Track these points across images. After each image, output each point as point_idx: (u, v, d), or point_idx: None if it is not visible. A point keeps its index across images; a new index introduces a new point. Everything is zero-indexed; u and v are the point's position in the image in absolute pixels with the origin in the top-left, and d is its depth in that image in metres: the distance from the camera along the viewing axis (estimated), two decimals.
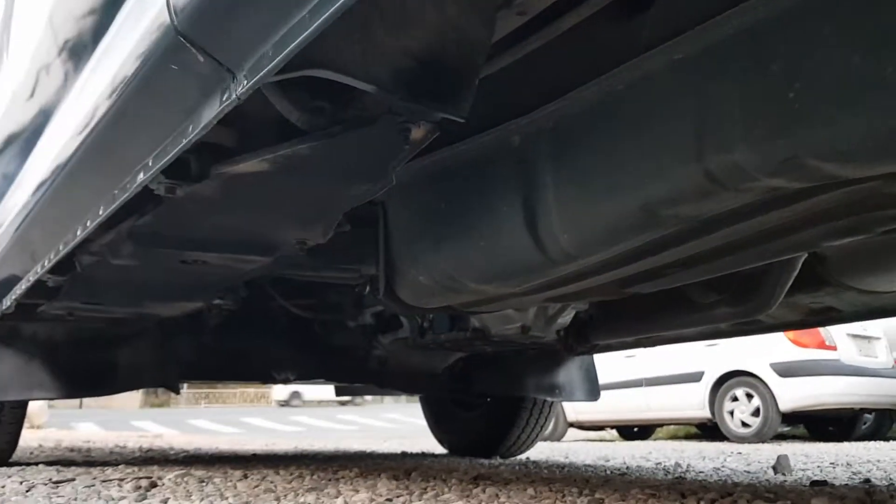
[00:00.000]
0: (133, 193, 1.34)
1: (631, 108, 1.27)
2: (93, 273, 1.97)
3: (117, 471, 2.78)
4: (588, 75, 1.34)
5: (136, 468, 2.92)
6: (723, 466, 3.62)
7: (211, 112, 1.04)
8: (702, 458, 4.47)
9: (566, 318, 2.49)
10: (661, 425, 9.83)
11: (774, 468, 3.22)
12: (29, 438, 5.47)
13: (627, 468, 3.35)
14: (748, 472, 3.23)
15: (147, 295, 2.29)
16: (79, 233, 1.60)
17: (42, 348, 2.77)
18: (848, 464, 3.81)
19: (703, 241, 1.42)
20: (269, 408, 28.39)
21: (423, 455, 4.22)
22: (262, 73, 0.93)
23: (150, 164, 1.24)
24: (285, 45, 0.88)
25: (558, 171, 1.42)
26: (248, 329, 3.10)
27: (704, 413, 8.13)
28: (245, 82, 0.96)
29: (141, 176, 1.28)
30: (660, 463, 3.88)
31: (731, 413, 7.80)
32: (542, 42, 1.41)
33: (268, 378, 3.34)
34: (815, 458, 4.36)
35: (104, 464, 3.22)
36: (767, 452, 5.14)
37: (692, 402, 8.19)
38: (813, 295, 2.09)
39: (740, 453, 4.99)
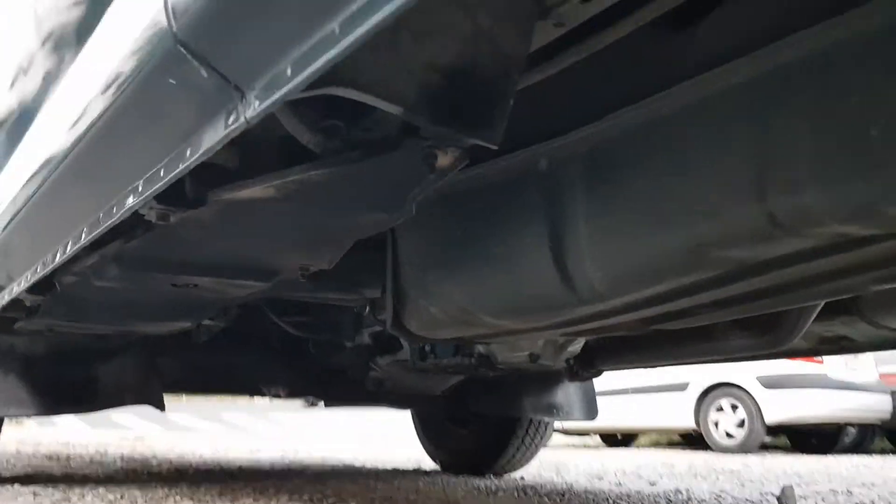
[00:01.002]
0: (120, 219, 1.20)
1: (681, 136, 1.14)
2: (74, 292, 1.83)
3: (97, 497, 2.62)
4: (630, 96, 1.21)
5: (115, 489, 2.76)
6: (722, 492, 3.52)
7: (214, 136, 0.90)
8: (694, 475, 4.39)
9: (576, 347, 2.36)
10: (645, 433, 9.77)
11: (779, 499, 3.11)
12: (7, 440, 5.25)
13: (628, 496, 3.24)
14: (750, 501, 3.13)
15: (133, 315, 2.15)
16: (58, 256, 1.45)
17: (20, 363, 2.62)
18: (849, 491, 3.72)
19: (749, 283, 1.30)
20: (247, 405, 28.02)
21: (416, 472, 4.08)
22: (277, 96, 0.78)
23: (141, 188, 1.10)
24: (307, 63, 0.73)
25: (592, 202, 1.29)
26: (238, 345, 2.96)
27: (689, 423, 8.07)
28: (256, 104, 0.81)
29: (130, 200, 1.14)
30: (654, 483, 3.79)
31: (716, 424, 7.77)
32: (579, 58, 1.27)
33: (256, 392, 3.20)
34: (806, 478, 4.28)
35: (83, 479, 3.06)
36: (757, 468, 5.07)
37: (677, 412, 8.13)
38: (826, 324, 1.99)
39: (732, 471, 4.90)
